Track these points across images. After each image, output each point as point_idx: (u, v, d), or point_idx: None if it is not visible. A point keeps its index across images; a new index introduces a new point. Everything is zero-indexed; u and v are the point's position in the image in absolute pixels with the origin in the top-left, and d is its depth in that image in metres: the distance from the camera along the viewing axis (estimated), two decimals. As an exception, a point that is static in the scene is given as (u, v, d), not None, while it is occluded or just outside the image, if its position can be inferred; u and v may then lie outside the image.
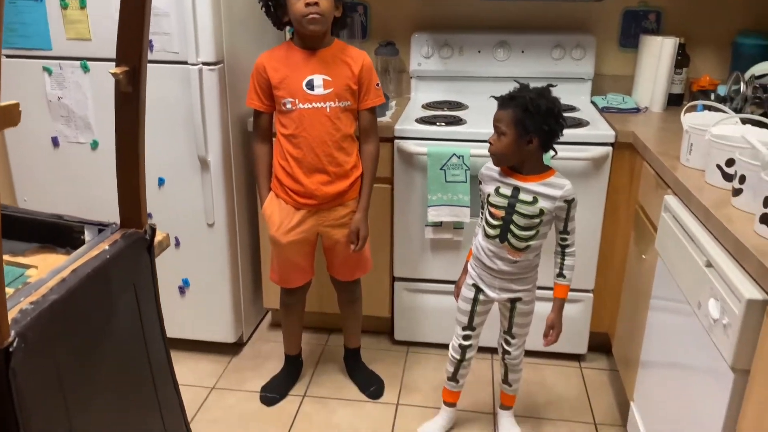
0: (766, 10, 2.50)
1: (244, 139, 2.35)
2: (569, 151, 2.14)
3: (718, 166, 1.61)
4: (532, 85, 1.75)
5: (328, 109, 1.91)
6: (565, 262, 1.81)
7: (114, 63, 1.12)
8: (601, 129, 2.23)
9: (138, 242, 1.05)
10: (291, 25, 1.94)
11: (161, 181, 2.25)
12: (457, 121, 2.33)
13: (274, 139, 2.03)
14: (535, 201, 1.74)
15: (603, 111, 2.47)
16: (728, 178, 1.59)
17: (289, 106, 1.91)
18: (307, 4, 1.81)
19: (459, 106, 2.57)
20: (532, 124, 1.67)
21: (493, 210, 1.80)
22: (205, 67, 2.10)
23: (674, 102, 2.58)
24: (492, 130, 1.75)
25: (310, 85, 1.90)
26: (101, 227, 1.09)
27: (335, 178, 1.97)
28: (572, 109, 2.49)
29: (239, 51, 2.27)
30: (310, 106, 1.91)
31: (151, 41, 2.10)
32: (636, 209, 2.14)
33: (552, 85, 1.76)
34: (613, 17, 2.65)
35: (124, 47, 0.97)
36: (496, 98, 1.77)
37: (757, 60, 2.24)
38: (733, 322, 1.22)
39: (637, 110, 2.48)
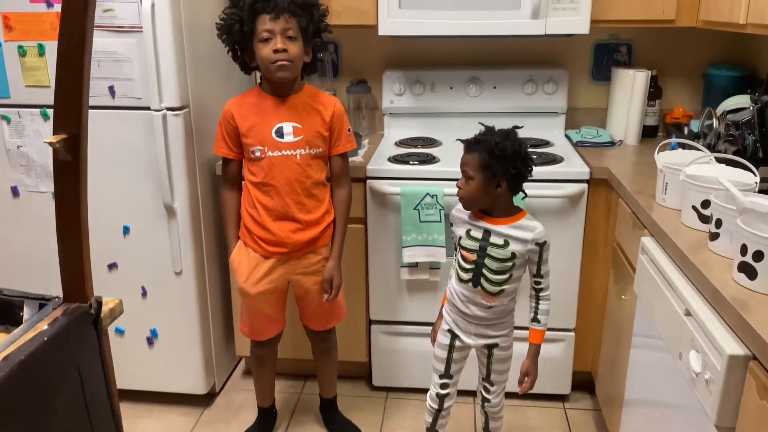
0: (734, 42, 2.50)
1: (213, 184, 2.29)
2: (544, 189, 2.10)
3: (694, 208, 1.57)
4: (504, 121, 1.72)
5: (298, 157, 1.85)
6: (540, 307, 1.76)
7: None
8: (575, 165, 2.20)
9: (82, 318, 0.98)
10: (259, 70, 1.87)
11: (126, 230, 2.18)
12: (430, 160, 2.29)
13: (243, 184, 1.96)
14: (506, 244, 1.69)
15: (577, 145, 2.44)
16: (704, 219, 1.55)
17: (258, 154, 1.85)
18: (276, 51, 1.75)
19: (432, 142, 2.53)
20: (499, 168, 1.63)
21: (464, 253, 1.75)
22: (169, 113, 2.04)
23: (649, 134, 2.56)
24: (461, 173, 1.71)
25: (280, 133, 1.84)
26: (43, 302, 1.01)
27: (306, 226, 1.90)
28: (546, 143, 2.47)
29: (206, 95, 2.22)
30: (279, 153, 1.84)
31: (113, 87, 2.04)
32: (614, 247, 2.10)
33: (518, 127, 1.72)
34: (585, 51, 2.64)
35: (63, 113, 0.91)
36: (461, 141, 1.73)
37: (728, 91, 2.23)
38: (716, 377, 1.17)
39: (612, 143, 2.46)
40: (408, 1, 2.26)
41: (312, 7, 1.82)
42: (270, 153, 1.84)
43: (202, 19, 2.18)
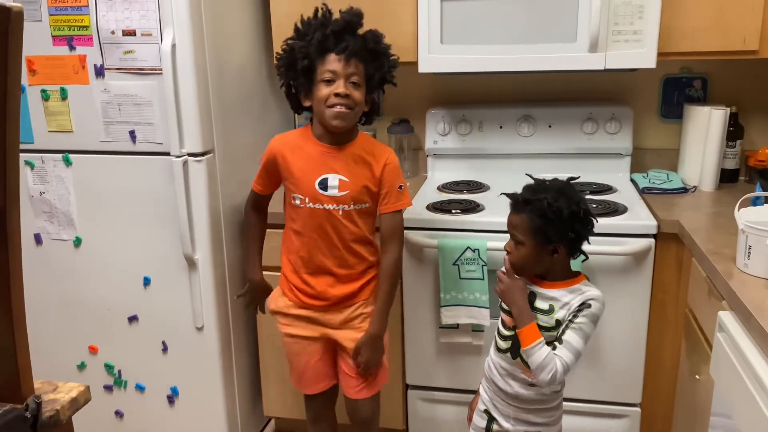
0: (831, 72, 2.18)
1: (241, 233, 2.14)
2: (604, 245, 1.84)
3: (786, 280, 1.29)
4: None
5: (340, 212, 1.68)
6: (542, 350, 1.42)
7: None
8: (641, 217, 1.92)
9: (14, 423, 0.82)
10: (310, 110, 1.70)
11: (146, 281, 2.05)
12: (473, 208, 2.06)
13: (281, 229, 1.82)
14: (551, 310, 1.45)
15: (644, 192, 2.16)
16: (799, 295, 1.26)
17: (297, 202, 1.70)
18: (337, 95, 1.59)
19: (479, 187, 2.30)
20: (554, 233, 1.41)
21: (504, 316, 1.52)
22: (190, 158, 1.91)
23: (728, 179, 2.25)
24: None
25: (324, 185, 1.67)
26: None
27: (344, 280, 1.74)
28: (608, 189, 2.20)
29: (235, 138, 2.09)
30: (321, 207, 1.68)
31: (134, 132, 1.94)
32: (686, 313, 1.81)
33: (573, 178, 1.49)
34: (652, 86, 2.36)
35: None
36: (508, 197, 1.50)
37: (824, 132, 1.91)
38: None
39: (685, 190, 2.17)
40: (451, 35, 2.07)
41: (383, 56, 1.67)
42: (311, 205, 1.68)
43: (231, 59, 2.07)
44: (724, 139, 2.15)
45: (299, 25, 1.66)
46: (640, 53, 1.97)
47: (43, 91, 1.96)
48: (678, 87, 2.34)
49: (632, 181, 2.30)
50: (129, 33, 1.85)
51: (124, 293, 2.08)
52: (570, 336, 1.43)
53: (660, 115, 2.39)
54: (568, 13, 1.98)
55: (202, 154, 1.93)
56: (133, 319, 2.10)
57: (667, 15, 1.95)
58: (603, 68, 2.00)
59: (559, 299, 1.46)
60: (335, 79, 1.60)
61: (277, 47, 2.22)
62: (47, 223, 2.08)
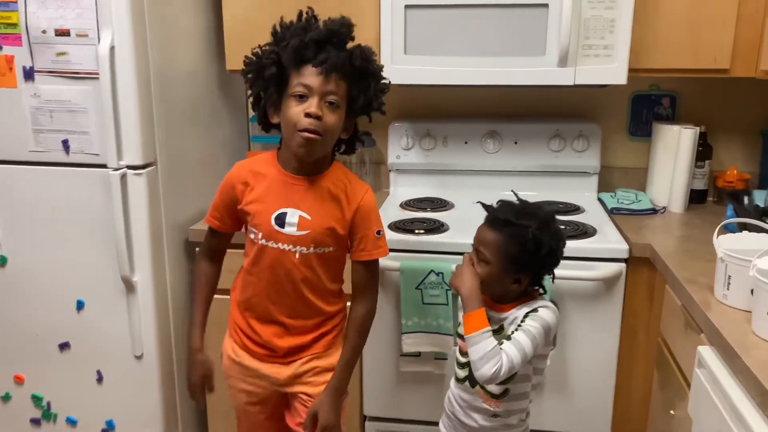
0: (799, 94, 2.15)
1: (187, 253, 1.98)
2: (574, 269, 1.74)
3: (771, 315, 1.20)
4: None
5: (297, 255, 1.42)
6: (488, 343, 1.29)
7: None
8: (611, 240, 1.83)
9: None
10: (279, 130, 1.43)
11: (80, 304, 1.87)
12: (438, 228, 1.94)
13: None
14: (500, 330, 1.37)
15: (613, 212, 2.08)
16: (785, 332, 1.18)
17: (252, 236, 1.45)
18: (308, 115, 1.32)
19: (443, 205, 2.19)
20: (526, 264, 1.30)
21: (460, 342, 1.42)
22: (130, 171, 1.75)
23: (697, 199, 2.20)
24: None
25: (281, 221, 1.42)
26: None
27: (294, 332, 1.49)
28: (575, 209, 2.11)
29: (181, 150, 1.94)
30: (274, 245, 1.43)
31: (67, 141, 1.77)
32: (658, 342, 1.72)
33: (557, 211, 1.40)
34: (621, 103, 2.30)
35: None
36: (484, 208, 1.39)
37: (795, 153, 1.87)
38: None
39: (654, 211, 2.09)
40: (415, 46, 1.96)
41: (371, 75, 1.40)
42: (263, 241, 1.43)
43: (178, 64, 1.92)
44: (693, 158, 2.08)
45: (278, 27, 1.40)
46: (610, 69, 1.89)
47: (-35, 94, 1.77)
48: (647, 104, 2.28)
49: (600, 200, 2.22)
50: (63, 33, 1.69)
51: (55, 318, 1.89)
52: (517, 335, 1.32)
53: (628, 132, 2.32)
54: (537, 25, 1.89)
55: (143, 167, 1.77)
56: (64, 346, 1.91)
57: (639, 30, 1.88)
58: (572, 83, 1.91)
59: (508, 317, 1.37)
60: (308, 96, 1.33)
61: (230, 52, 2.08)
62: (-28, 239, 1.88)
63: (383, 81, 1.44)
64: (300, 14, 1.39)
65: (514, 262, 1.31)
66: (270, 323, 1.49)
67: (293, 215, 1.42)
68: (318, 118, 1.32)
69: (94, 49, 1.68)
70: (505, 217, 1.34)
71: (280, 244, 1.42)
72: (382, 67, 1.44)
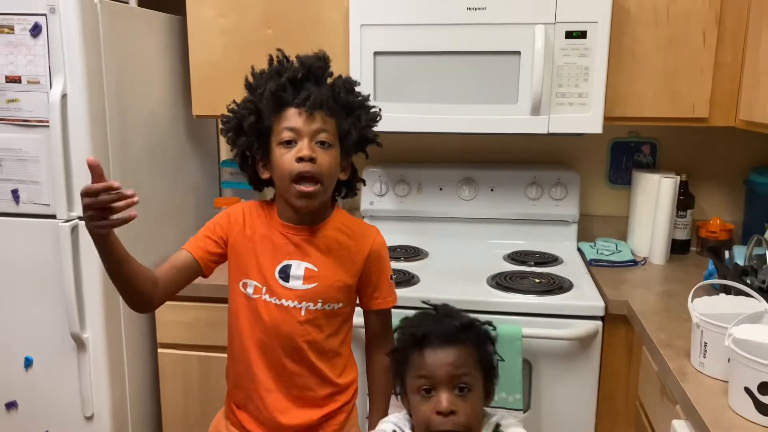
0: (782, 142, 2.09)
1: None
2: (548, 327, 1.66)
3: (748, 391, 1.11)
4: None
5: (303, 312, 1.28)
6: None
7: None
8: (587, 297, 1.75)
9: None
10: (273, 185, 1.32)
11: (28, 361, 1.77)
12: (408, 280, 1.86)
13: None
14: None
15: (591, 264, 2.00)
16: (764, 409, 1.09)
17: (250, 291, 1.29)
18: (300, 159, 1.21)
19: (417, 253, 2.11)
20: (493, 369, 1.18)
21: None
22: (81, 222, 1.67)
23: (679, 249, 2.12)
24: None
25: (285, 274, 1.28)
26: None
27: (300, 404, 1.32)
28: (553, 260, 2.03)
29: (140, 196, 1.82)
30: (277, 302, 1.28)
31: (17, 191, 1.69)
32: (637, 407, 1.62)
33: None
34: (600, 150, 2.24)
35: None
36: (430, 308, 1.23)
37: (777, 203, 1.80)
38: None
39: (635, 263, 2.01)
40: (385, 93, 1.90)
41: (359, 108, 1.30)
42: (266, 297, 1.29)
43: (139, 108, 1.86)
44: (674, 208, 2.02)
45: (250, 78, 1.30)
46: (585, 117, 1.83)
47: None
48: (626, 152, 2.22)
49: (579, 250, 2.14)
50: (13, 79, 1.63)
51: (2, 376, 1.79)
52: None
53: (608, 180, 2.25)
54: (509, 72, 1.83)
55: (97, 218, 1.68)
56: (11, 405, 1.81)
57: (614, 78, 1.83)
58: (546, 132, 1.85)
59: None
60: (297, 139, 1.22)
61: (196, 94, 2.02)
62: None
63: (372, 110, 1.34)
64: (270, 59, 1.30)
65: (492, 367, 1.17)
66: (273, 392, 1.31)
67: (298, 267, 1.28)
68: (312, 160, 1.21)
69: (45, 96, 1.62)
70: (461, 323, 1.14)
71: (283, 301, 1.28)
72: (368, 96, 1.35)
